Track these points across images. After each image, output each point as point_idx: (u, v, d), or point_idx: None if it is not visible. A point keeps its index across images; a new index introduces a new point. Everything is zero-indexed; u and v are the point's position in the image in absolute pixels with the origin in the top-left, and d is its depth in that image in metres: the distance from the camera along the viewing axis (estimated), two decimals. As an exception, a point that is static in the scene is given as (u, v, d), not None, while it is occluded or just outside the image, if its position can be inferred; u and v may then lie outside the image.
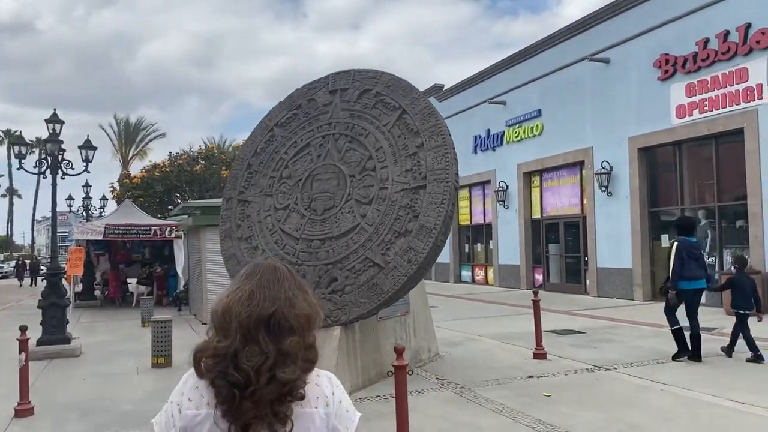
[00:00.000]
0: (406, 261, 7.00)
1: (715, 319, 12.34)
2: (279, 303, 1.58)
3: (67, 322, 11.24)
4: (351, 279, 7.23)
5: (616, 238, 16.81)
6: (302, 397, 1.55)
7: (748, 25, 13.25)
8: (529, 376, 7.80)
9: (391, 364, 4.92)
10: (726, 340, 10.05)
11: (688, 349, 8.45)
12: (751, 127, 13.22)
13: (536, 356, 8.82)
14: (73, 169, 12.07)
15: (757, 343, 8.53)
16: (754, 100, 13.21)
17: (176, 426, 1.60)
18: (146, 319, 13.48)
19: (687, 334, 8.61)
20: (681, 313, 8.74)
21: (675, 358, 8.52)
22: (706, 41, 14.23)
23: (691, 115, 14.72)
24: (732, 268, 9.73)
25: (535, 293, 9.13)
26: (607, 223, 17.30)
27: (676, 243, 8.65)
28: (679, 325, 8.58)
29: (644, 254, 16.27)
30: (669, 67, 15.23)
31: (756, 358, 8.31)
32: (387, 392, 6.88)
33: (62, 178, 11.82)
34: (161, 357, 9.19)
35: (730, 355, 8.66)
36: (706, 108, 14.31)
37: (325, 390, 1.63)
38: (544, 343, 9.88)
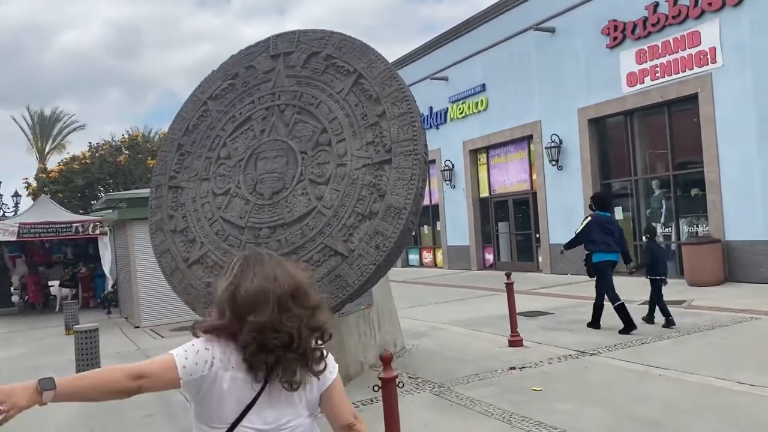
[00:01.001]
0: (374, 247, 6.04)
1: (678, 291, 11.96)
2: (297, 277, 2.06)
3: (-25, 337, 9.76)
4: (308, 272, 6.20)
5: (568, 213, 16.31)
6: (331, 336, 2.05)
7: (699, -13, 12.83)
8: (511, 368, 7.01)
9: (378, 376, 3.97)
10: (699, 312, 9.63)
11: (633, 325, 8.48)
12: (706, 92, 12.85)
13: (512, 343, 8.07)
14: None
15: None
16: (708, 65, 12.83)
17: (202, 373, 1.88)
18: (70, 325, 12.07)
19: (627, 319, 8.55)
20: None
21: (622, 332, 8.42)
22: (656, 5, 13.77)
23: (642, 82, 14.28)
24: (644, 238, 9.78)
25: (508, 275, 8.36)
26: (558, 198, 16.81)
27: (589, 218, 9.01)
28: (621, 300, 8.60)
29: (598, 228, 15.82)
30: (618, 34, 14.74)
31: (669, 323, 8.60)
32: (356, 399, 5.95)
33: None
34: (87, 372, 7.92)
35: (650, 322, 8.89)
36: (658, 75, 13.89)
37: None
38: (505, 325, 9.24)
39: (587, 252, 8.95)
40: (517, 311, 10.55)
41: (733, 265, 12.49)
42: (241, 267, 2.03)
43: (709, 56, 12.80)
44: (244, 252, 2.15)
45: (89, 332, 7.98)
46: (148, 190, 9.56)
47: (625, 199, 15.50)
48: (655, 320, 8.89)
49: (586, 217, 9.20)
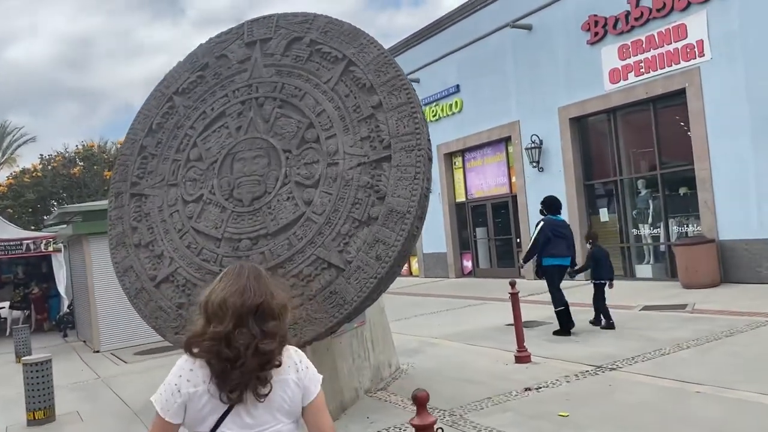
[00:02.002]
0: (374, 258, 5.22)
1: (675, 295, 11.42)
2: (266, 296, 2.03)
3: None
4: (299, 288, 5.36)
5: (550, 215, 15.70)
6: (279, 364, 2.00)
7: (684, -22, 12.39)
8: (526, 389, 6.24)
9: (411, 422, 3.14)
10: (711, 317, 9.06)
11: (569, 329, 8.72)
12: (695, 87, 12.39)
13: (519, 360, 7.31)
14: None
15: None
16: (696, 58, 12.37)
17: (177, 402, 1.97)
18: (21, 352, 10.92)
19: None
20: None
21: (556, 333, 8.71)
22: (639, -2, 13.29)
23: (626, 78, 13.78)
24: (587, 243, 9.80)
25: (513, 284, 7.60)
26: (539, 201, 16.16)
27: (542, 222, 9.08)
28: (564, 306, 8.73)
29: (582, 230, 15.24)
30: (599, 29, 14.23)
31: (609, 325, 8.79)
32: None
33: None
34: (40, 411, 6.89)
35: (597, 325, 8.99)
36: (643, 70, 13.40)
37: (294, 359, 2.07)
38: (504, 337, 8.53)
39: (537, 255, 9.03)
40: (510, 321, 9.90)
41: (729, 265, 12.01)
42: (222, 276, 2.12)
43: (696, 49, 12.34)
44: (240, 262, 2.27)
45: (40, 365, 6.95)
46: (106, 201, 8.53)
47: (611, 199, 14.97)
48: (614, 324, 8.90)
49: (538, 223, 9.21)
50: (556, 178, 15.63)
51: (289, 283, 5.40)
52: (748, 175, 11.69)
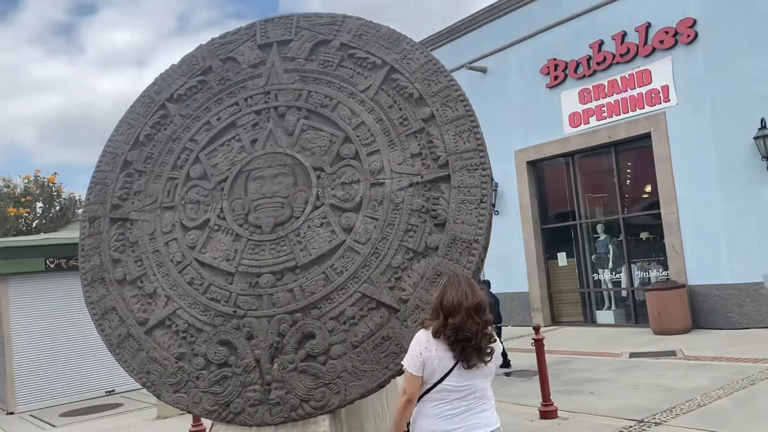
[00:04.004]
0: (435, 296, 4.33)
1: (651, 341, 11.11)
2: (480, 296, 3.20)
3: None
4: (340, 333, 4.39)
5: (505, 260, 15.27)
6: (495, 341, 3.20)
7: (648, 25, 12.55)
8: (576, 450, 5.47)
9: None
10: (718, 364, 8.69)
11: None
12: (660, 131, 12.44)
13: (545, 415, 6.57)
14: None
15: None
16: (661, 103, 12.47)
17: (418, 362, 3.13)
18: None
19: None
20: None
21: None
22: (601, 43, 13.38)
23: (587, 122, 13.75)
24: None
25: (537, 329, 6.87)
26: (497, 246, 15.63)
27: None
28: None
29: (540, 276, 14.93)
30: (558, 73, 14.21)
31: (506, 364, 9.40)
32: None
33: None
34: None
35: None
36: (605, 114, 13.40)
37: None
38: (512, 392, 7.85)
39: None
40: (500, 372, 9.18)
41: (699, 310, 11.88)
42: (446, 284, 3.27)
43: (661, 95, 12.44)
44: (449, 272, 3.68)
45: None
46: (26, 237, 7.19)
47: (569, 244, 14.73)
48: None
49: None
50: (513, 222, 15.30)
51: (328, 327, 4.42)
52: (716, 220, 11.70)
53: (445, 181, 4.58)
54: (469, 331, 3.05)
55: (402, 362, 3.20)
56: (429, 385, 3.15)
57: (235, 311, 4.60)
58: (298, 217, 4.73)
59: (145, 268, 4.94)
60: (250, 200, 4.88)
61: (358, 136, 4.83)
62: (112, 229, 5.15)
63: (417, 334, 3.23)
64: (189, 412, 4.79)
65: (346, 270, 4.51)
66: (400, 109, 4.86)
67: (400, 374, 4.49)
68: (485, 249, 4.54)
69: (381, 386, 4.39)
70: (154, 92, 5.55)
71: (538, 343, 6.72)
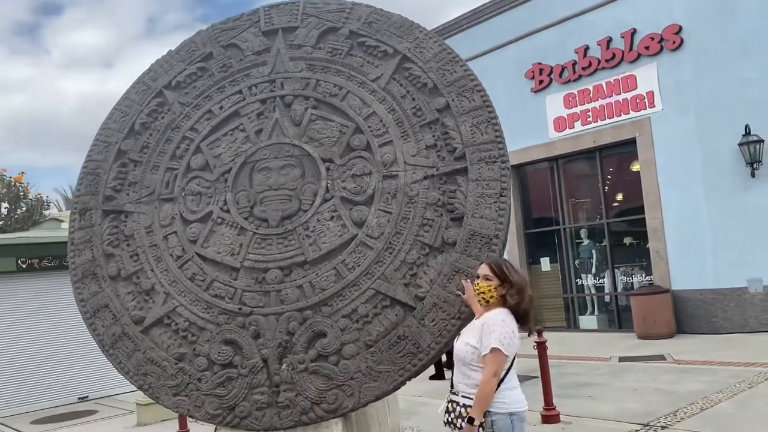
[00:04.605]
0: (455, 293, 4.16)
1: (634, 346, 11.09)
2: (525, 279, 3.62)
3: None
4: (353, 332, 4.18)
5: (488, 265, 15.15)
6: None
7: (634, 31, 12.61)
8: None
9: None
10: (711, 368, 8.66)
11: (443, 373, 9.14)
12: (645, 136, 12.48)
13: (548, 419, 6.41)
14: None
15: None
16: (646, 109, 12.51)
17: (515, 341, 3.42)
18: None
19: None
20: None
21: (432, 378, 9.13)
22: (587, 48, 13.40)
23: (572, 127, 13.75)
24: None
25: (540, 332, 6.73)
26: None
27: None
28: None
29: (523, 281, 14.84)
30: (543, 77, 14.21)
31: (438, 377, 9.29)
32: None
33: None
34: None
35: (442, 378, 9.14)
36: (590, 119, 13.42)
37: None
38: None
39: None
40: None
41: (683, 315, 11.91)
42: (514, 267, 3.67)
43: (647, 100, 12.49)
44: (493, 256, 3.99)
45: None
46: None
47: (552, 249, 14.70)
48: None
49: None
50: (496, 226, 15.18)
51: (340, 326, 4.20)
52: (701, 225, 11.75)
53: (462, 173, 4.41)
54: (525, 306, 3.52)
55: (493, 344, 3.32)
56: (510, 361, 3.45)
57: (240, 308, 4.36)
58: (306, 210, 4.51)
59: (141, 263, 4.66)
60: (255, 192, 4.64)
61: (369, 127, 4.64)
62: (105, 221, 4.85)
63: (498, 315, 3.45)
64: (190, 417, 4.50)
65: (359, 266, 4.30)
66: (414, 99, 4.68)
67: (416, 376, 4.30)
68: (504, 245, 4.35)
69: (396, 388, 4.18)
70: (150, 79, 5.27)
71: (541, 347, 6.57)
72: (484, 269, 3.64)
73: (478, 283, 3.61)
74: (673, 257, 12.14)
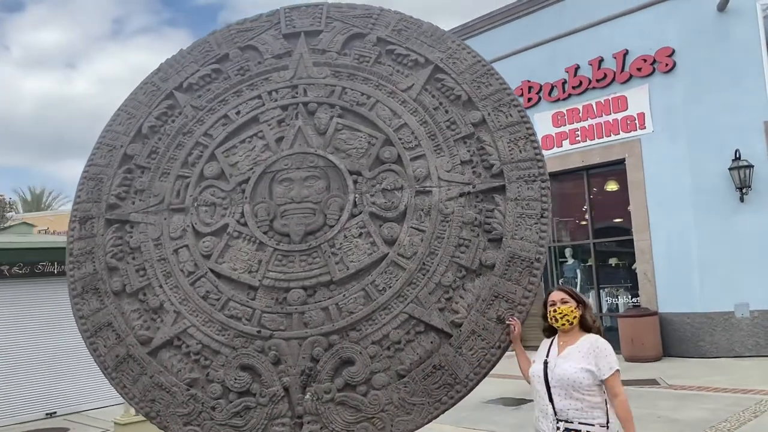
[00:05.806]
0: (494, 320, 3.90)
1: (628, 369, 10.96)
2: None
3: None
4: (384, 360, 3.87)
5: (470, 282, 14.99)
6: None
7: (626, 52, 12.62)
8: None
9: None
10: (708, 395, 8.55)
11: None
12: (635, 157, 12.47)
13: (558, 448, 6.14)
14: None
15: None
16: (636, 130, 12.51)
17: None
18: None
19: None
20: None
21: None
22: (577, 68, 13.37)
23: (560, 146, 13.69)
24: None
25: (551, 356, 6.50)
26: (461, 266, 15.48)
27: None
28: None
29: (506, 299, 14.69)
30: (533, 95, 14.14)
31: None
32: None
33: None
34: None
35: None
36: (579, 138, 13.38)
37: None
38: (508, 421, 7.49)
39: None
40: (488, 399, 8.89)
41: (670, 338, 11.86)
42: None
43: (637, 122, 12.49)
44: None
45: None
46: None
47: (536, 268, 14.55)
48: None
49: None
50: (480, 243, 15.02)
51: (369, 353, 3.89)
52: (689, 248, 11.74)
53: (500, 192, 4.16)
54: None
55: (615, 366, 3.47)
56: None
57: (259, 331, 4.01)
58: (332, 226, 4.20)
59: (149, 279, 4.28)
60: (275, 205, 4.32)
61: (400, 139, 4.36)
62: (108, 231, 4.46)
63: (599, 338, 3.59)
64: (202, 448, 4.11)
65: (390, 287, 4.01)
66: (447, 111, 4.42)
67: (451, 408, 4.01)
68: (543, 267, 4.11)
69: (430, 421, 3.88)
70: (160, 79, 4.91)
71: (552, 371, 6.35)
72: (558, 295, 3.66)
73: (558, 308, 3.61)
74: (660, 279, 12.10)
